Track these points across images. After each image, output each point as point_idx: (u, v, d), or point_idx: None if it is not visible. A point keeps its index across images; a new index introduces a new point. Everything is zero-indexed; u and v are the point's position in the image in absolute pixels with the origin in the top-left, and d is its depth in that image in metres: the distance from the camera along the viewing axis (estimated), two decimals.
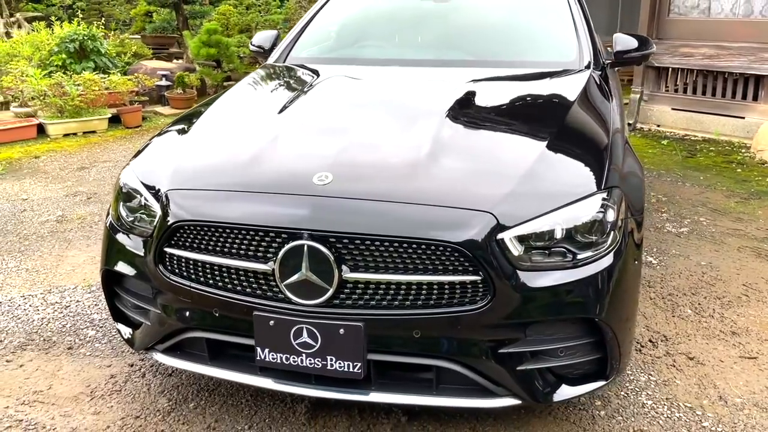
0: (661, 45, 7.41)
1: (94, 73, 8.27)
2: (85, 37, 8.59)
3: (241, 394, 2.64)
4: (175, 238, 2.25)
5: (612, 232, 2.18)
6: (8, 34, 10.53)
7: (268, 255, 2.12)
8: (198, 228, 2.20)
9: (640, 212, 2.40)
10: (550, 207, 2.12)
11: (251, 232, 2.13)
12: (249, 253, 2.15)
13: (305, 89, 3.03)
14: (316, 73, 3.34)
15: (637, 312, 2.38)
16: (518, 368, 2.13)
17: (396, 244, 2.03)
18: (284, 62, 3.70)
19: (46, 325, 3.22)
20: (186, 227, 2.22)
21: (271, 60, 3.75)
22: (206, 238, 2.20)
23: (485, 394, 2.17)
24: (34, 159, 6.64)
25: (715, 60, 7.02)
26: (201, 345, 2.35)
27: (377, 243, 2.04)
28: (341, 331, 2.09)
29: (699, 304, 3.35)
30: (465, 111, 2.66)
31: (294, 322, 2.11)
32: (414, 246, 2.03)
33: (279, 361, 2.16)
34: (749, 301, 3.38)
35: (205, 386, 2.70)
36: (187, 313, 2.29)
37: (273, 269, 2.10)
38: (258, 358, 2.18)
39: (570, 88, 2.92)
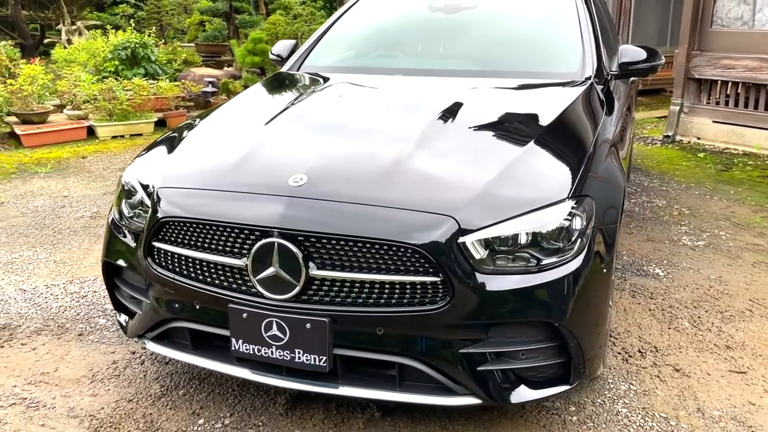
0: (703, 57, 7.28)
1: (144, 79, 8.66)
2: (137, 45, 8.99)
3: (228, 384, 2.77)
4: (162, 233, 2.40)
5: (579, 240, 2.22)
6: (69, 41, 11.09)
7: (243, 251, 2.24)
8: (182, 224, 2.34)
9: (613, 222, 2.42)
10: (514, 212, 2.18)
11: (228, 229, 2.25)
12: (226, 248, 2.27)
13: (304, 96, 3.16)
14: (321, 80, 3.47)
15: (606, 318, 2.40)
16: (479, 368, 2.18)
17: (360, 244, 2.12)
18: (298, 70, 3.85)
19: (63, 312, 3.44)
20: (172, 223, 2.36)
21: (285, 68, 3.90)
22: (189, 233, 2.34)
23: (446, 392, 2.23)
24: (81, 159, 7.00)
25: (757, 72, 6.84)
26: (185, 334, 2.49)
27: (342, 242, 2.13)
28: (308, 325, 2.19)
29: (699, 317, 3.31)
30: (450, 119, 2.72)
31: (265, 316, 2.22)
32: (377, 246, 2.11)
33: (251, 352, 2.27)
34: (752, 317, 3.32)
35: (197, 375, 2.84)
36: (172, 304, 2.44)
37: (246, 264, 2.22)
38: (233, 348, 2.30)
39: (561, 99, 2.96)
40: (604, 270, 2.32)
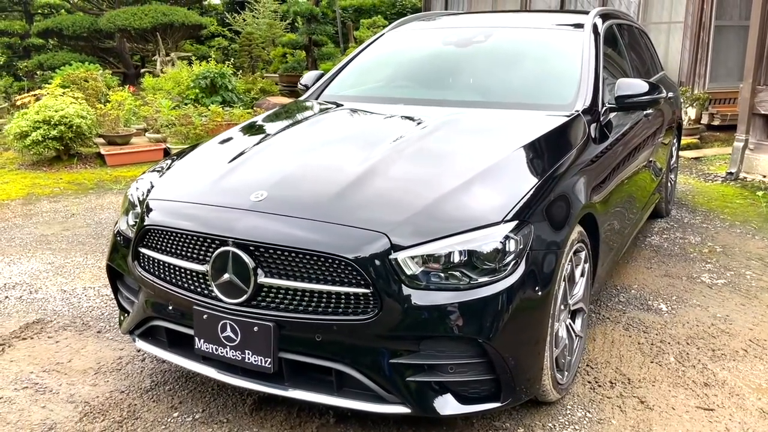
0: None
1: (221, 106, 9.27)
2: (216, 75, 9.66)
3: (209, 383, 3.01)
4: (146, 239, 2.70)
5: (513, 262, 2.33)
6: (162, 71, 12.02)
7: (206, 258, 2.50)
8: (160, 231, 2.64)
9: (557, 248, 2.49)
10: (448, 232, 2.32)
11: (195, 238, 2.52)
12: (193, 255, 2.54)
13: (300, 121, 3.43)
14: (325, 108, 3.72)
15: (544, 340, 2.46)
16: (408, 379, 2.31)
17: (301, 255, 2.33)
18: (317, 98, 4.11)
19: (90, 312, 3.82)
20: (153, 230, 2.66)
21: (304, 96, 4.19)
22: (165, 240, 2.62)
23: (379, 400, 2.37)
24: None
25: None
26: (163, 333, 2.76)
27: (287, 253, 2.35)
28: (255, 328, 2.40)
29: (687, 353, 3.26)
30: (417, 144, 2.89)
31: (220, 318, 2.46)
32: (315, 258, 2.31)
33: (210, 351, 2.51)
34: (745, 357, 3.23)
35: (185, 374, 3.10)
36: (152, 304, 2.72)
37: (207, 270, 2.47)
38: (196, 347, 2.55)
39: (537, 128, 3.06)
40: (540, 293, 2.40)
